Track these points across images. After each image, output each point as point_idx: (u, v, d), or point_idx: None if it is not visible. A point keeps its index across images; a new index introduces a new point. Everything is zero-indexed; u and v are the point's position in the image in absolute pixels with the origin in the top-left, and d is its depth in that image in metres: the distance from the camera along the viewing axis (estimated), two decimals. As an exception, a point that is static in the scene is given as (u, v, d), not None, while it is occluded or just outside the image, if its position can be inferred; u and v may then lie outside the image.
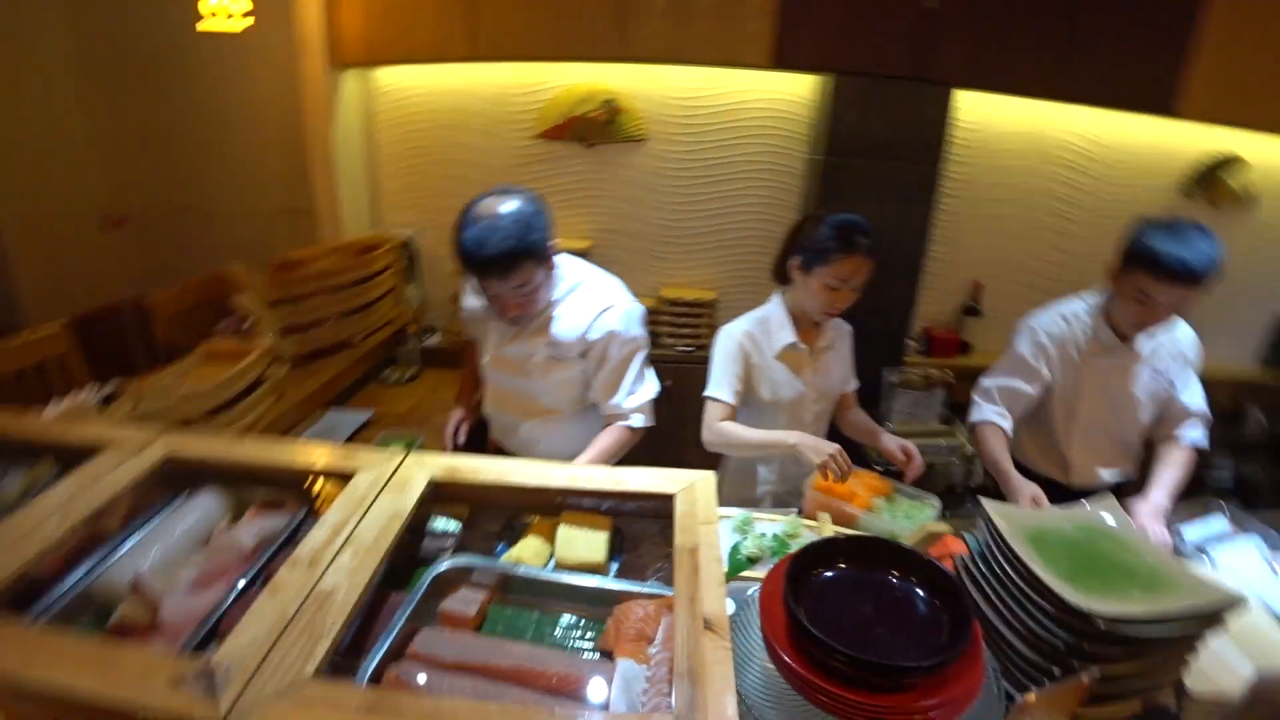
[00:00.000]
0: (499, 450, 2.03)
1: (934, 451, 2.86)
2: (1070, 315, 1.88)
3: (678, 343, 3.08)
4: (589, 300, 1.75)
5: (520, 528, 1.24)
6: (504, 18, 2.60)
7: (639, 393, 1.80)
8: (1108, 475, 1.97)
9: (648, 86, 2.95)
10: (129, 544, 1.06)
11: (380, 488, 1.09)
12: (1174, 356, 1.87)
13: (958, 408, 2.95)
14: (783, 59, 2.67)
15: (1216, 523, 1.76)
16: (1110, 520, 1.19)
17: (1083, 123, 3.10)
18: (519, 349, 1.78)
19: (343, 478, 1.13)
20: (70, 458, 1.15)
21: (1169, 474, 1.79)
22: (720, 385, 1.85)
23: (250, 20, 2.37)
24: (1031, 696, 0.82)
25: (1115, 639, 0.93)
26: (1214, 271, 1.59)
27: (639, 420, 1.80)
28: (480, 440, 2.03)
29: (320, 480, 1.20)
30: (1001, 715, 0.92)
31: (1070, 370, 1.88)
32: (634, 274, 3.19)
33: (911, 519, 1.65)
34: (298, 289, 2.30)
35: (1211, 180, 3.17)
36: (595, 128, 2.95)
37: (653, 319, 3.08)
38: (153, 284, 2.68)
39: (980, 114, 3.03)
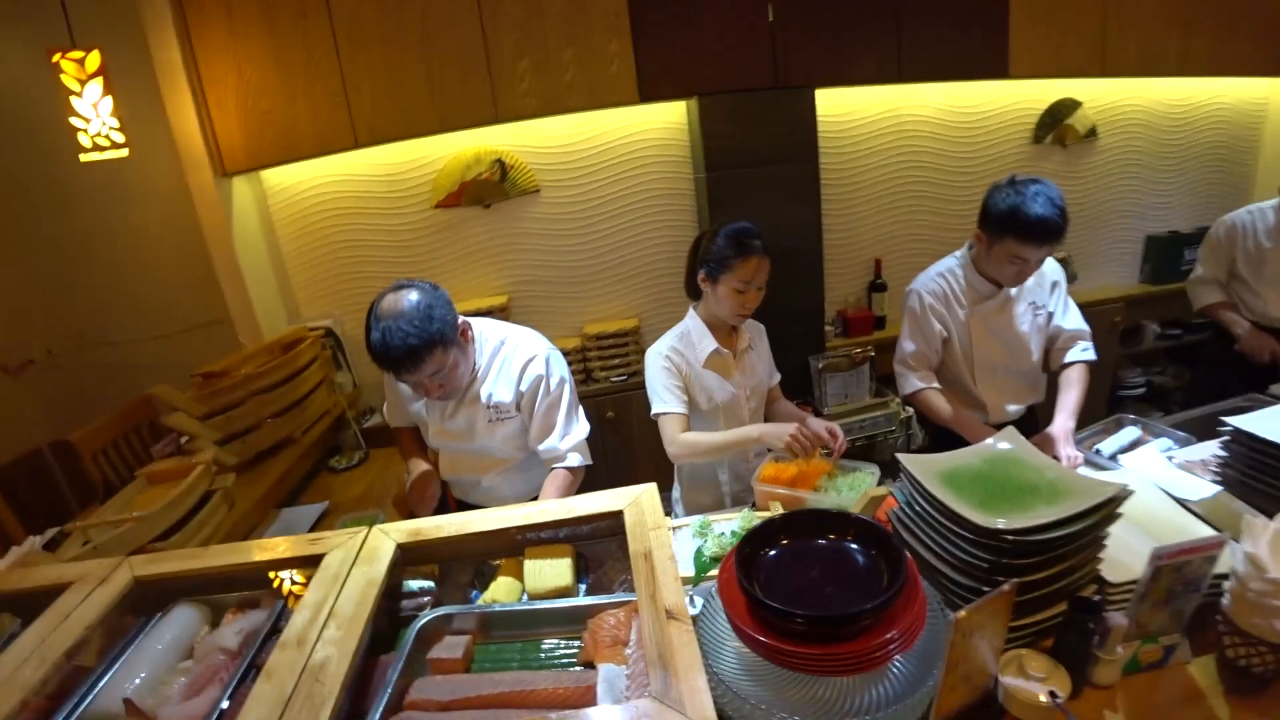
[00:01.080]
0: (462, 506, 2.07)
1: (872, 424, 3.00)
2: (946, 272, 2.05)
3: (610, 374, 3.16)
4: (514, 357, 1.85)
5: (490, 571, 1.30)
6: (377, 103, 2.68)
7: (573, 433, 1.88)
8: (1016, 408, 2.14)
9: (532, 140, 3.06)
10: (113, 670, 1.08)
11: (351, 562, 1.14)
12: (1044, 287, 2.06)
13: (886, 379, 3.10)
14: (647, 93, 2.83)
15: (1129, 433, 1.95)
16: (1007, 445, 1.32)
17: (933, 98, 3.36)
18: (461, 422, 1.86)
19: (312, 562, 1.17)
20: (29, 607, 1.15)
21: (1069, 396, 1.96)
22: (666, 400, 1.93)
23: (125, 151, 2.35)
24: (962, 613, 0.92)
25: (1024, 549, 1.05)
26: (1067, 219, 1.77)
27: (576, 459, 1.87)
28: (441, 499, 2.07)
29: (291, 571, 1.24)
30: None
31: (958, 322, 2.04)
32: (556, 318, 3.30)
33: (855, 489, 1.76)
34: (228, 398, 2.30)
35: (1057, 125, 3.49)
36: (489, 188, 3.05)
37: (582, 356, 3.17)
38: (72, 423, 2.62)
39: (841, 107, 3.25)
